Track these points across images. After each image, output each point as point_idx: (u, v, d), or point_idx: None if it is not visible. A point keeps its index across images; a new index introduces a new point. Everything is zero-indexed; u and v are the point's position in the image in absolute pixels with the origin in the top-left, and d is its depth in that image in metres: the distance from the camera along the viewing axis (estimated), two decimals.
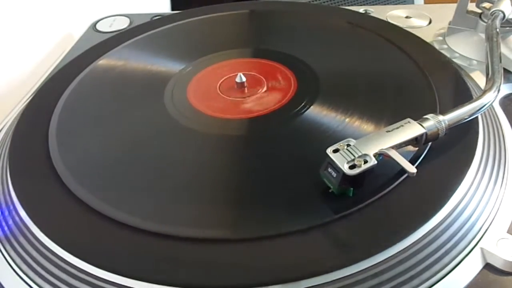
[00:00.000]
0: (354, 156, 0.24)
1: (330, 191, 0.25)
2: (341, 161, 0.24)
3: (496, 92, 0.29)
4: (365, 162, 0.24)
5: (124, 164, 0.30)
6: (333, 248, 0.23)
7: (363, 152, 0.24)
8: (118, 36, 0.45)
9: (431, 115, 0.27)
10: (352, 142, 0.25)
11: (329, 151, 0.25)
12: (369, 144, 0.25)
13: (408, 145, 0.26)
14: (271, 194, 0.26)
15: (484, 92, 0.29)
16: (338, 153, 0.24)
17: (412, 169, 0.23)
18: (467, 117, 0.28)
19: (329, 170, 0.25)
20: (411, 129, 0.26)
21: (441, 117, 0.26)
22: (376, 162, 0.24)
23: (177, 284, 0.22)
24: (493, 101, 0.29)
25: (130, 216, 0.25)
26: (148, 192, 0.27)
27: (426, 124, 0.26)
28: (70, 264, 0.24)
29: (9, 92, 0.48)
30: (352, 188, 0.25)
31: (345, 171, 0.23)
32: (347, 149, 0.24)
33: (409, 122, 0.26)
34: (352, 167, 0.24)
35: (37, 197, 0.27)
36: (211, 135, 0.31)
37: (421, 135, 0.26)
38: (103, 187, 0.28)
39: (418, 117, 0.27)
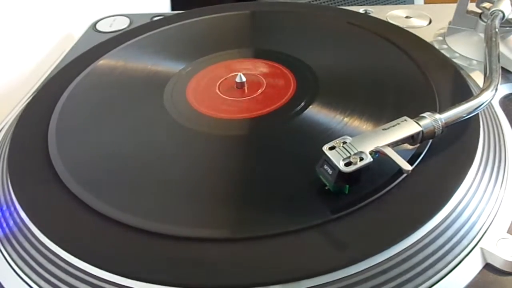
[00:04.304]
0: (350, 153, 0.24)
1: (326, 188, 0.25)
2: (337, 159, 0.24)
3: (494, 91, 0.29)
4: (361, 159, 0.24)
5: (123, 164, 0.30)
6: (333, 248, 0.23)
7: (359, 150, 0.24)
8: (118, 36, 0.45)
9: (428, 113, 0.27)
10: (348, 139, 0.25)
11: (325, 148, 0.25)
12: (365, 141, 0.25)
13: (405, 143, 0.26)
14: (271, 194, 0.26)
15: (482, 91, 0.29)
16: (334, 151, 0.24)
17: (407, 166, 0.23)
18: (464, 115, 0.28)
19: (325, 167, 0.25)
20: (407, 127, 0.26)
21: (437, 116, 0.26)
22: (372, 159, 0.24)
23: (177, 284, 0.22)
24: (491, 99, 0.29)
25: (130, 216, 0.25)
26: (148, 192, 0.27)
27: (423, 122, 0.26)
28: (70, 264, 0.24)
29: (9, 92, 0.48)
30: (347, 185, 0.25)
31: (340, 168, 0.24)
32: (343, 147, 0.25)
33: (405, 120, 0.26)
34: (347, 164, 0.24)
35: (36, 197, 0.27)
36: (210, 135, 0.31)
37: (417, 133, 0.26)
38: (103, 187, 0.28)
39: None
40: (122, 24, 0.53)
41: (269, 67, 0.38)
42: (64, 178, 0.28)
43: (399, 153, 0.24)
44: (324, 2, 0.84)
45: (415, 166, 0.26)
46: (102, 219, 0.25)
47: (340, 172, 0.24)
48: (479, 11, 0.42)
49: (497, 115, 0.33)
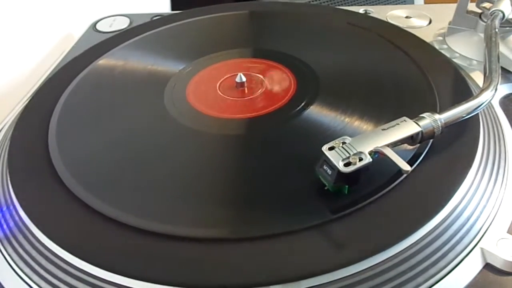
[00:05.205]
0: (349, 153, 0.24)
1: (325, 188, 0.25)
2: (336, 159, 0.24)
3: (494, 91, 0.29)
4: (360, 160, 0.24)
5: (124, 164, 0.30)
6: (333, 248, 0.23)
7: (358, 150, 0.24)
8: (118, 36, 0.45)
9: (427, 113, 0.27)
10: (348, 139, 0.25)
11: (324, 148, 0.25)
12: (365, 142, 0.25)
13: (404, 143, 0.26)
14: (270, 194, 0.26)
15: (482, 90, 0.29)
16: (333, 151, 0.24)
17: (406, 166, 0.23)
18: (464, 115, 0.28)
19: (325, 167, 0.25)
20: (407, 128, 0.26)
21: (437, 116, 0.26)
22: (371, 160, 0.24)
23: (177, 284, 0.22)
24: (490, 99, 0.29)
25: (130, 216, 0.25)
26: (148, 192, 0.27)
27: (422, 122, 0.26)
28: (70, 264, 0.24)
29: (9, 92, 0.48)
30: (347, 186, 0.25)
31: (340, 168, 0.24)
32: (342, 147, 0.25)
33: (405, 120, 0.26)
34: (347, 164, 0.24)
35: (37, 197, 0.27)
36: (210, 135, 0.31)
37: (417, 134, 0.26)
38: (103, 187, 0.28)
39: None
40: (122, 24, 0.53)
41: (269, 67, 0.38)
42: (64, 178, 0.28)
43: (399, 153, 0.24)
44: (324, 2, 0.84)
45: (415, 166, 0.26)
46: (102, 219, 0.25)
47: (339, 173, 0.24)
48: (479, 11, 0.42)
49: (497, 115, 0.33)
